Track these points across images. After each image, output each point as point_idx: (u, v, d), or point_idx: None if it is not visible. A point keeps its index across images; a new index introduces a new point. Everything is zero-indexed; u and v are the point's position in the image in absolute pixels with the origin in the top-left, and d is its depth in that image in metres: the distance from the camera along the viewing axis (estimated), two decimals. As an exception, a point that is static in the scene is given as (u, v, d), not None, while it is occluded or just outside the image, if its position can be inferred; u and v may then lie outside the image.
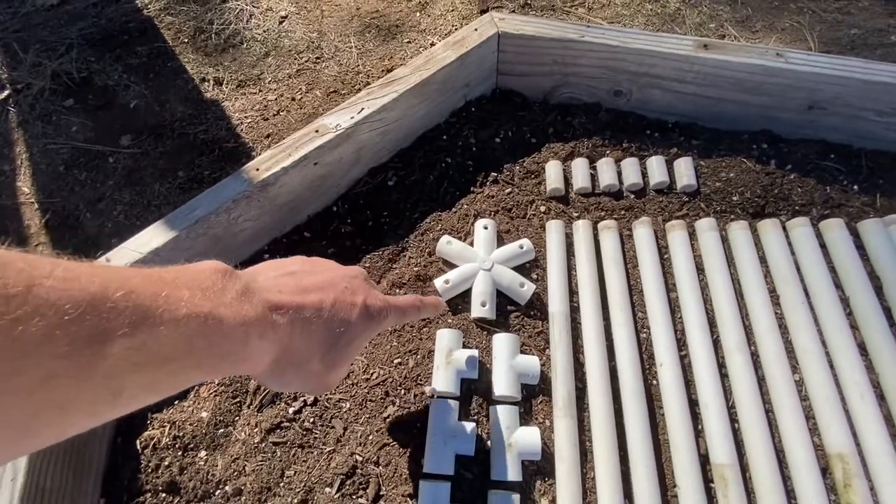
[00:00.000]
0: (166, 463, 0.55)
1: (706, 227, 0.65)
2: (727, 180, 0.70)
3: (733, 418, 0.55)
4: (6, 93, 1.45)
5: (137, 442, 0.56)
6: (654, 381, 0.58)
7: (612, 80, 0.77)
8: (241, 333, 0.27)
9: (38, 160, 1.27)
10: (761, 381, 0.57)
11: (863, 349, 0.57)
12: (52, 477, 0.48)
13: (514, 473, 0.50)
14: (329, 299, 0.34)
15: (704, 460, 0.53)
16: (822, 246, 0.64)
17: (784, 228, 0.65)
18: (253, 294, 0.30)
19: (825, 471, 0.52)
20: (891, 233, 0.63)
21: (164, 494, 0.54)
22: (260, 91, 1.38)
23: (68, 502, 0.49)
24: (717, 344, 0.59)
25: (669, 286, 0.64)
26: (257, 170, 0.63)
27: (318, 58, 1.45)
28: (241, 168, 0.63)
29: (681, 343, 0.60)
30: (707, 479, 0.52)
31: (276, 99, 1.35)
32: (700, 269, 0.64)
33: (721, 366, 0.58)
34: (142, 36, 1.57)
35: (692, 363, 0.58)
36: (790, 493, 0.51)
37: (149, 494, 0.53)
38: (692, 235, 0.67)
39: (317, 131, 0.65)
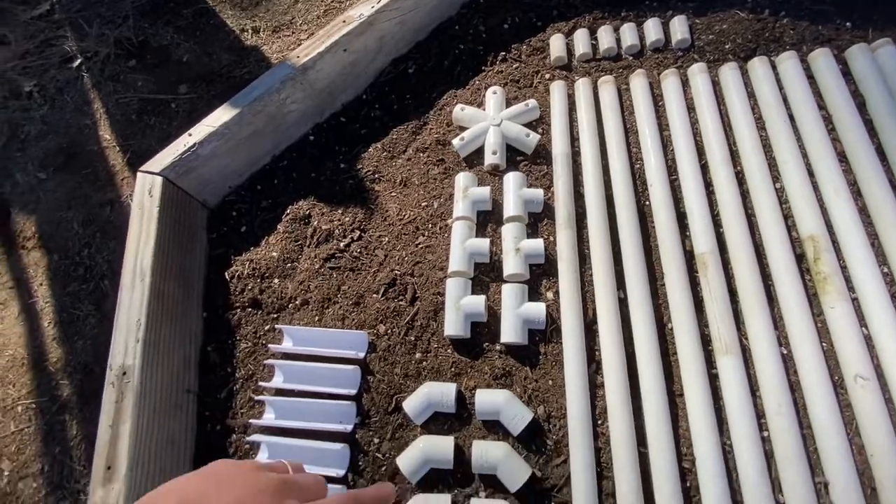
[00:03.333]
0: (249, 287, 0.69)
1: (697, 70, 0.71)
2: (720, 32, 0.75)
3: (717, 222, 0.63)
4: (79, 61, 1.66)
5: (226, 274, 0.71)
6: (647, 202, 0.66)
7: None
8: None
9: (113, 112, 1.46)
10: (745, 194, 0.64)
11: (843, 157, 0.63)
12: (168, 285, 0.63)
13: (520, 267, 0.61)
14: None
15: (689, 256, 0.61)
16: (811, 77, 0.68)
17: (773, 66, 0.70)
18: None
19: (801, 257, 0.59)
20: (877, 57, 0.67)
21: (249, 309, 0.69)
22: (293, 33, 1.50)
23: (181, 309, 0.65)
24: (704, 169, 0.66)
25: (663, 126, 0.71)
26: (298, 57, 0.74)
27: (342, -2, 1.55)
28: (286, 57, 0.75)
29: (671, 170, 0.67)
30: (692, 271, 0.61)
31: (307, 38, 1.47)
32: (691, 109, 0.70)
33: (708, 184, 0.65)
34: (186, 2, 1.73)
35: (681, 183, 0.65)
36: (765, 274, 0.59)
37: (238, 309, 0.69)
38: (685, 84, 0.73)
39: (344, 21, 0.76)
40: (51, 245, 1.25)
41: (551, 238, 0.65)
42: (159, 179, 0.68)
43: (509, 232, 0.64)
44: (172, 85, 1.49)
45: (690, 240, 0.62)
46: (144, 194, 0.67)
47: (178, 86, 1.48)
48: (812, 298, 0.56)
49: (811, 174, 0.62)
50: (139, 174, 0.70)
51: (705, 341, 0.56)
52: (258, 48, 1.50)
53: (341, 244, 0.70)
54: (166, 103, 1.44)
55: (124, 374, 0.55)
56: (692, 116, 0.70)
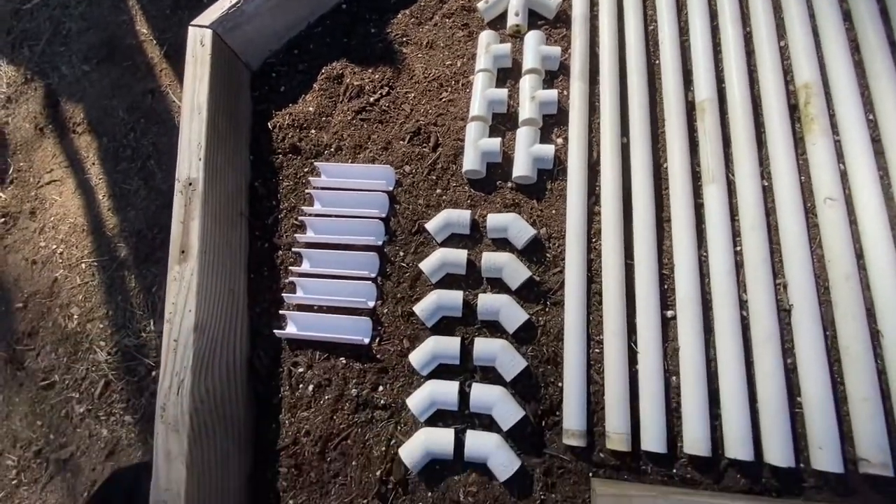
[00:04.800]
0: (289, 136, 0.78)
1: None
2: None
3: (721, 79, 0.67)
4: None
5: (269, 124, 0.79)
6: (657, 62, 0.71)
7: None
8: None
9: (148, 8, 1.51)
10: (751, 53, 0.68)
11: (847, 16, 0.66)
12: (220, 120, 0.71)
13: (534, 113, 0.68)
14: None
15: (691, 108, 0.67)
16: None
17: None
18: None
19: (794, 107, 0.64)
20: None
21: (290, 155, 0.77)
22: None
23: (232, 145, 0.74)
24: (715, 31, 0.70)
25: (679, -8, 0.74)
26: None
27: None
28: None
29: (683, 31, 0.71)
30: (692, 121, 0.66)
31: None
32: (709, -25, 0.73)
33: (717, 45, 0.69)
34: None
35: (690, 43, 0.70)
36: (759, 125, 0.64)
37: (280, 154, 0.77)
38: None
39: None
40: (99, 130, 1.35)
41: (565, 92, 0.71)
42: (209, 32, 0.75)
43: (526, 83, 0.70)
44: (204, -19, 1.52)
45: (694, 94, 0.67)
46: (196, 44, 0.74)
47: (209, -18, 1.51)
48: (798, 143, 0.62)
49: (816, 33, 0.66)
50: (190, 28, 0.76)
51: (695, 177, 0.63)
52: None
53: (371, 99, 0.77)
54: (199, -3, 1.48)
55: (190, 184, 0.64)
56: (709, -18, 0.73)
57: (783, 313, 0.55)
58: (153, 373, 1.01)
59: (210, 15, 0.77)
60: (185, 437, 0.52)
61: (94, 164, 1.31)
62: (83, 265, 1.17)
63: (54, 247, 1.21)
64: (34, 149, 1.39)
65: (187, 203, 0.64)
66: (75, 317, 1.13)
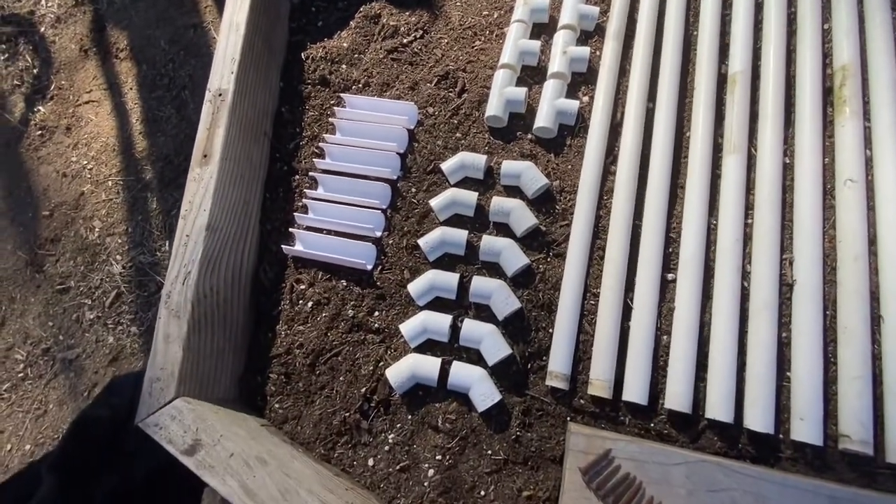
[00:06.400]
0: (320, 68, 0.79)
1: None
2: None
3: (757, 55, 0.66)
4: None
5: (302, 54, 0.80)
6: (695, 32, 0.70)
7: None
8: None
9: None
10: (792, 34, 0.66)
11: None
12: (257, 40, 0.73)
13: (564, 67, 0.67)
14: None
15: (723, 80, 0.66)
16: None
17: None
18: None
19: (829, 90, 0.63)
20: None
21: (318, 86, 0.79)
22: None
23: (264, 65, 0.75)
24: (759, 8, 0.69)
25: (728, -34, 0.72)
26: None
27: None
28: None
29: (725, 4, 0.70)
30: (722, 93, 0.66)
31: None
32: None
33: (759, 23, 0.68)
34: None
35: (732, 16, 0.69)
36: (790, 105, 0.63)
37: (309, 84, 0.79)
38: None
39: None
40: (140, 57, 1.39)
41: (597, 53, 0.71)
42: (255, -46, 0.76)
43: (560, 37, 0.70)
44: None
45: (728, 67, 0.67)
46: (242, -35, 0.76)
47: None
48: (827, 126, 0.61)
49: (862, 19, 0.64)
50: (238, -50, 0.78)
51: (717, 148, 0.63)
52: None
53: (405, 40, 0.78)
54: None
55: (220, 94, 0.66)
56: (760, -42, 0.71)
57: (785, 287, 0.55)
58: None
59: (258, -61, 0.78)
60: (185, 323, 0.54)
61: (131, 89, 1.34)
62: (110, 183, 1.21)
63: (85, 163, 1.25)
64: (77, 69, 1.43)
65: (215, 112, 0.66)
66: (97, 230, 1.17)
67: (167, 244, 1.09)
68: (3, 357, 1.05)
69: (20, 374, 1.05)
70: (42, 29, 1.54)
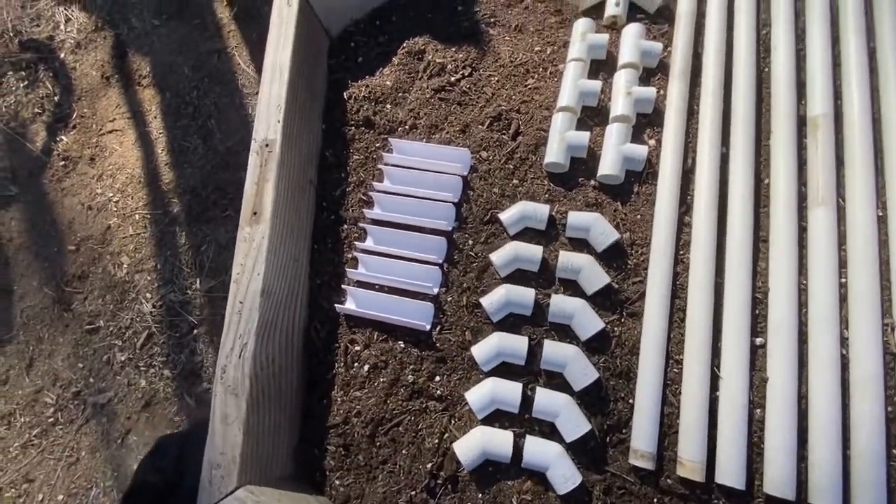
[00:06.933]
0: (364, 108, 0.76)
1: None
2: None
3: (837, 95, 0.62)
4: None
5: (344, 94, 0.77)
6: (766, 69, 0.66)
7: None
8: None
9: (222, -32, 1.51)
10: (874, 70, 0.62)
11: None
12: (300, 83, 0.70)
13: (628, 110, 0.64)
14: None
15: (801, 122, 0.62)
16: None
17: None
18: None
19: (920, 134, 0.58)
20: None
21: (363, 128, 0.75)
22: None
23: (307, 110, 0.72)
24: (836, 42, 0.64)
25: (799, -4, 0.68)
26: None
27: None
28: None
29: (799, 39, 0.66)
30: (801, 136, 0.61)
31: None
32: (835, -20, 0.67)
33: (836, 58, 0.64)
34: None
35: (807, 52, 0.64)
36: (878, 149, 0.59)
37: (353, 126, 0.75)
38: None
39: None
40: (163, 85, 1.36)
41: (661, 92, 0.67)
42: (296, -8, 0.73)
43: (622, 77, 0.66)
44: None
45: (805, 107, 0.62)
46: (283, 4, 0.73)
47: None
48: (922, 173, 0.57)
49: (954, 55, 0.60)
50: (277, -13, 0.75)
51: (800, 197, 0.58)
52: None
53: (452, 78, 0.74)
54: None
55: (267, 145, 0.63)
56: (833, -12, 0.67)
57: (888, 356, 0.51)
58: (195, 331, 1.02)
59: (298, -25, 0.75)
60: (244, 402, 0.50)
61: (155, 117, 1.32)
62: (137, 216, 1.18)
63: (110, 195, 1.23)
64: (99, 97, 1.41)
65: (263, 164, 0.62)
66: (125, 266, 1.15)
67: (198, 281, 1.07)
68: (32, 400, 1.03)
69: (50, 419, 1.02)
70: (62, 55, 1.52)
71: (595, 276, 0.57)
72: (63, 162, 1.34)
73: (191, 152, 1.23)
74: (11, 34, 1.57)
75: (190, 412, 0.93)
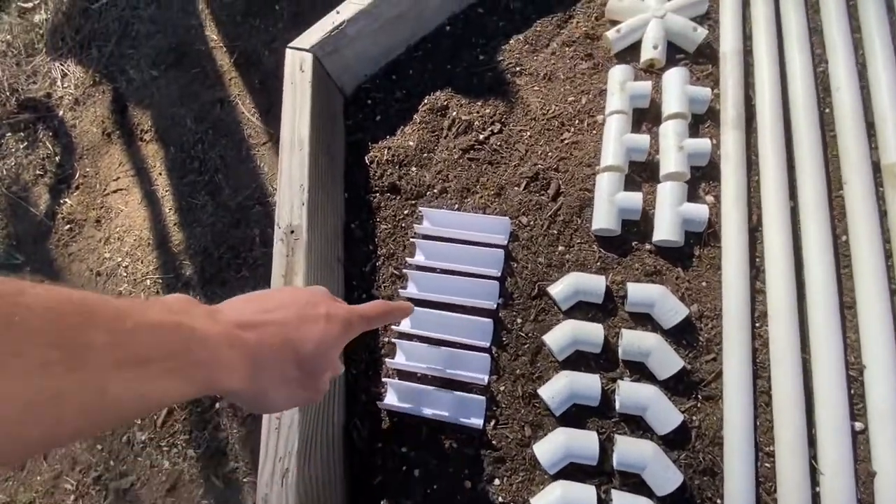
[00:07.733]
0: (388, 173, 0.71)
1: (907, -38, 0.62)
2: (939, -82, 0.64)
3: (912, 135, 0.56)
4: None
5: (365, 158, 0.72)
6: (827, 110, 0.61)
7: None
8: (213, 342, 0.29)
9: (218, 13, 1.47)
10: (950, 105, 0.57)
11: None
12: (321, 154, 0.65)
13: (682, 166, 0.58)
14: (291, 314, 0.36)
15: (874, 168, 0.56)
16: None
17: None
18: (218, 314, 0.32)
19: None
20: None
21: (388, 193, 0.70)
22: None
23: (330, 181, 0.67)
24: (902, 75, 0.59)
25: (853, 27, 0.63)
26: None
27: None
28: (433, -66, 0.71)
29: (861, 76, 0.61)
30: (877, 185, 0.56)
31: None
32: (890, 7, 0.62)
33: (904, 93, 0.58)
34: None
35: (870, 89, 0.59)
36: (967, 194, 0.53)
37: (378, 193, 0.70)
38: (886, -21, 0.64)
39: None
40: (166, 138, 1.32)
41: (714, 141, 0.62)
42: (309, 56, 0.68)
43: (671, 128, 0.60)
44: (276, -14, 1.47)
45: (877, 152, 0.57)
46: (296, 70, 0.68)
47: (280, -12, 1.46)
48: None
49: None
50: (288, 51, 0.70)
51: (885, 255, 0.53)
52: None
53: (481, 136, 0.69)
54: (270, 5, 1.43)
55: (292, 231, 0.58)
56: (891, 17, 0.62)
57: None
58: (216, 405, 0.97)
59: (310, 37, 0.71)
60: (291, 537, 0.45)
61: (160, 174, 1.28)
62: (148, 281, 1.14)
63: (119, 259, 1.18)
64: (101, 154, 1.37)
65: (290, 254, 0.57)
66: (138, 335, 1.10)
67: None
68: (51, 486, 0.98)
69: (71, 507, 0.97)
70: (61, 112, 1.49)
71: (668, 359, 0.52)
72: (68, 225, 1.29)
73: (199, 210, 1.18)
74: (8, 93, 1.53)
75: (218, 495, 0.87)
